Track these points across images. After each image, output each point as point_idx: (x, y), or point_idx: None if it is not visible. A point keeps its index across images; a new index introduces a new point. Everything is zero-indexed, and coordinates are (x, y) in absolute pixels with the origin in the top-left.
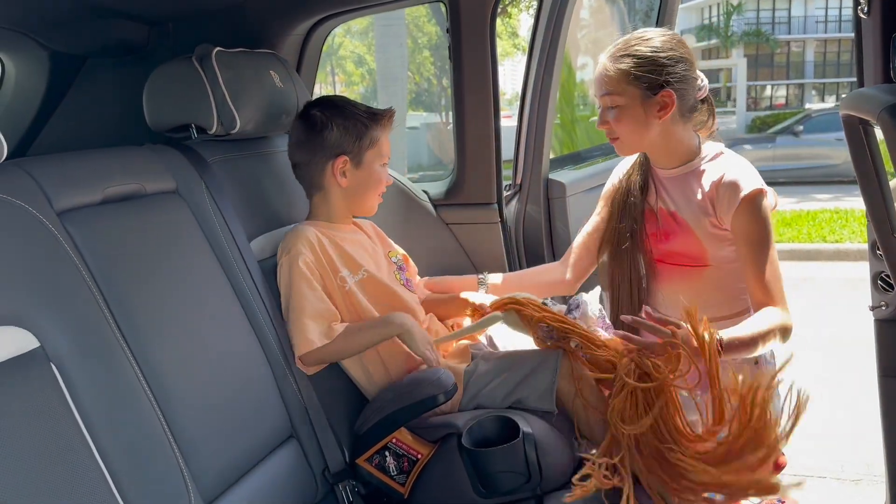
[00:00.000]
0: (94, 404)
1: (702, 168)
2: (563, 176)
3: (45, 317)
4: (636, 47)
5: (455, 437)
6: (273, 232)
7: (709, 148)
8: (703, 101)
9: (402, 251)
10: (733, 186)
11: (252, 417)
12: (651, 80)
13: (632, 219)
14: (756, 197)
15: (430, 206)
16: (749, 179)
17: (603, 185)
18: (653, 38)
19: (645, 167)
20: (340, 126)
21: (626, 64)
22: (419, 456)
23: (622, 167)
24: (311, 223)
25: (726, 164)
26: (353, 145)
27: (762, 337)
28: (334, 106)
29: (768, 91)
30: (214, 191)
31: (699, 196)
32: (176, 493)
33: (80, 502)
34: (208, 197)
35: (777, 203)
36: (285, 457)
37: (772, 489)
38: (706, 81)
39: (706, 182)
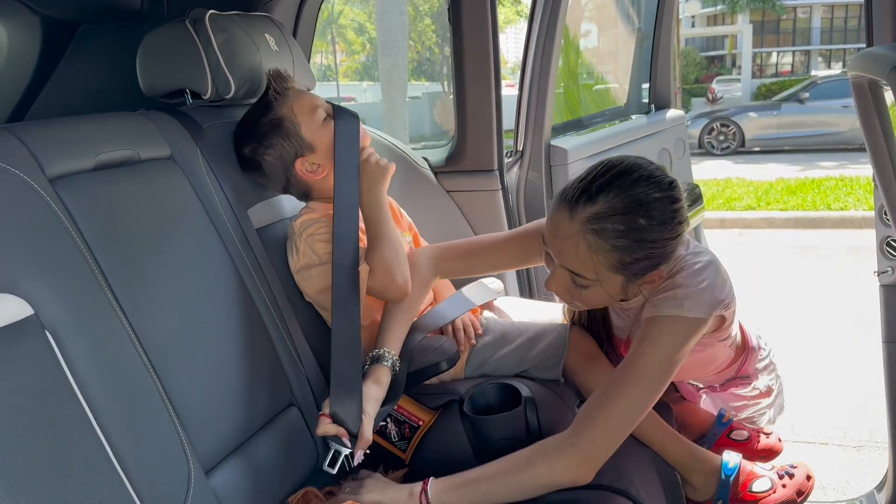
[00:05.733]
0: (90, 372)
1: None
2: (564, 142)
3: (39, 284)
4: None
5: (456, 404)
6: (271, 200)
7: None
8: None
9: (408, 236)
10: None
11: (250, 386)
12: None
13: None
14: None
15: (430, 173)
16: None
17: (605, 151)
18: None
19: None
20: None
21: None
22: (421, 423)
23: None
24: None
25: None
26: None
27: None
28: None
29: (774, 58)
30: (210, 157)
31: None
32: (175, 461)
33: (76, 469)
34: (203, 163)
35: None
36: (285, 424)
37: None
38: None
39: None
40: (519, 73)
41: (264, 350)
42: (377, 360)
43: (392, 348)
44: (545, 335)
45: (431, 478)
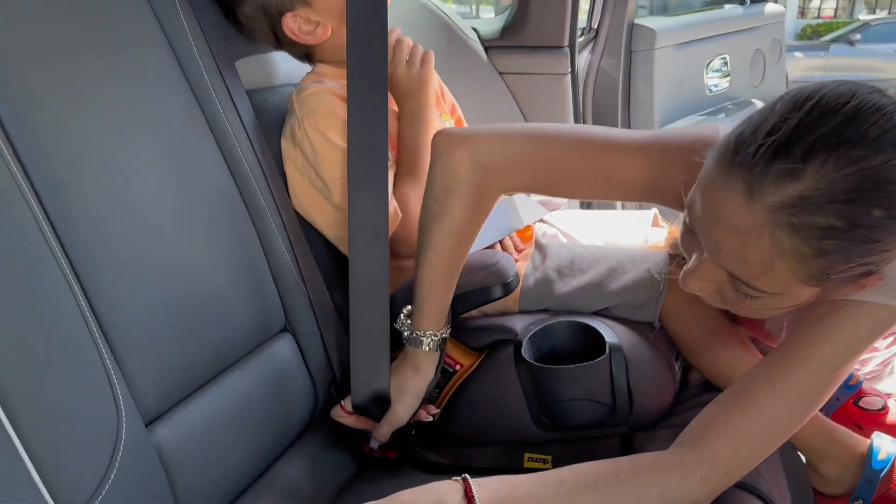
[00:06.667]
0: None
1: None
2: (652, 22)
3: None
4: None
5: (511, 345)
6: (269, 55)
7: None
8: None
9: (450, 120)
10: None
11: (226, 302)
12: None
13: None
14: None
15: (479, 47)
16: None
17: (697, 40)
18: None
19: None
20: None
21: None
22: (458, 367)
23: None
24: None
25: None
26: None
27: None
28: None
29: (816, 2)
30: None
31: None
32: (97, 407)
33: None
34: None
35: None
36: (272, 356)
37: None
38: None
39: None
40: None
41: (249, 255)
42: (414, 343)
43: (433, 326)
44: (634, 264)
45: (467, 476)
